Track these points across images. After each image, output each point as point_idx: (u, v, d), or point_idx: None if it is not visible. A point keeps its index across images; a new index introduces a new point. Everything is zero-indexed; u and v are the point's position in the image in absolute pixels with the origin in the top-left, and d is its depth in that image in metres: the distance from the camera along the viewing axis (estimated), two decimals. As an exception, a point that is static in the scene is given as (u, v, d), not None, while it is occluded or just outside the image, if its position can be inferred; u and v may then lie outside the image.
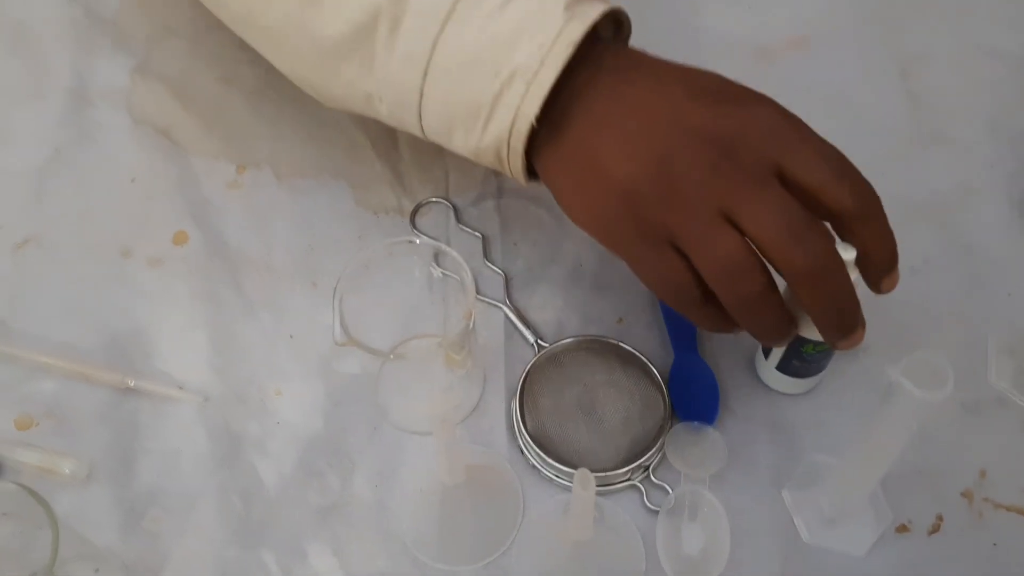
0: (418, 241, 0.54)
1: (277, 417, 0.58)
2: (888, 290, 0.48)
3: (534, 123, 0.47)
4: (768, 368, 0.56)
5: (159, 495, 0.55)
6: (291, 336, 0.61)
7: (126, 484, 0.56)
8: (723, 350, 0.59)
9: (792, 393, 0.57)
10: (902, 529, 0.52)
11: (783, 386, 0.56)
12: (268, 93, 0.71)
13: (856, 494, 0.51)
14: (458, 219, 0.65)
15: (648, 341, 0.59)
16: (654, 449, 0.54)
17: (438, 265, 0.58)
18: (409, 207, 0.66)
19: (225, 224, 0.65)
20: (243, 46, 0.74)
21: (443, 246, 0.54)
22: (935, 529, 0.52)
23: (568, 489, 0.54)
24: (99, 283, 0.63)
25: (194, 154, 0.69)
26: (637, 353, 0.57)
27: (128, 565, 0.53)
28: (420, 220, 0.65)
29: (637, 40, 0.74)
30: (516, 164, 0.50)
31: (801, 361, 0.54)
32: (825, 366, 0.55)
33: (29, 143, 0.69)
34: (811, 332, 0.50)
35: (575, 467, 0.53)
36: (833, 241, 0.45)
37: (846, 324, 0.46)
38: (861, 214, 0.45)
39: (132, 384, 0.58)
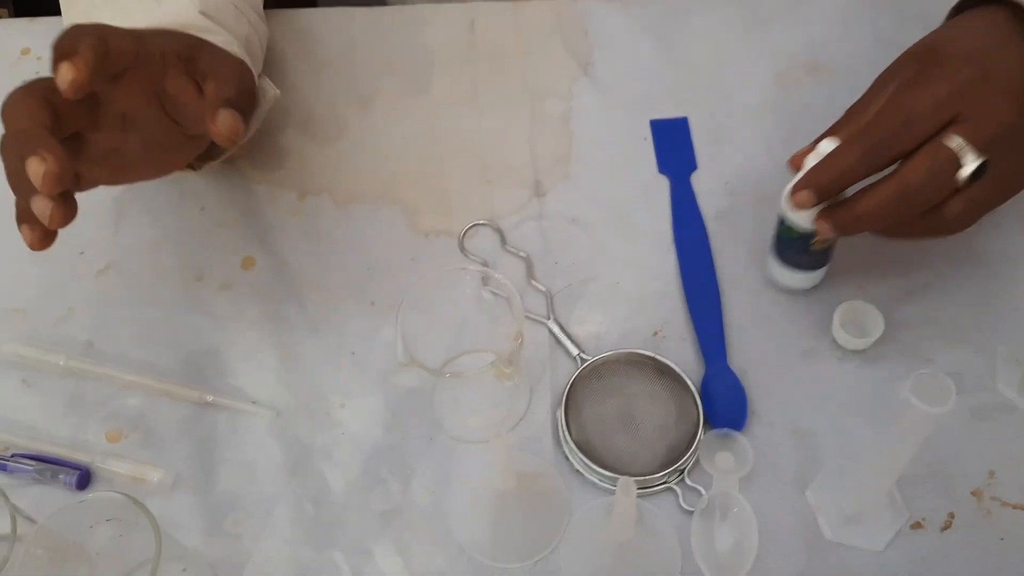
0: (471, 268, 0.59)
1: (342, 428, 0.63)
2: None
3: None
4: (772, 263, 0.65)
5: (238, 501, 0.61)
6: (352, 353, 0.66)
7: (208, 491, 0.61)
8: (750, 361, 0.63)
9: (790, 286, 0.65)
10: (917, 526, 0.57)
11: (781, 277, 0.65)
12: (322, 123, 0.77)
13: (874, 494, 0.56)
14: (503, 241, 0.70)
15: (682, 353, 0.64)
16: (688, 454, 0.59)
17: (487, 287, 0.63)
18: (457, 230, 0.71)
19: (289, 249, 0.71)
20: (296, 77, 0.80)
21: (493, 272, 0.59)
22: (947, 526, 0.57)
23: (610, 492, 0.59)
24: (175, 306, 0.69)
25: (258, 183, 0.75)
26: (672, 365, 0.62)
27: (213, 565, 0.59)
28: (468, 242, 0.70)
29: (664, 69, 0.79)
30: None
31: (782, 243, 0.62)
32: (809, 264, 0.63)
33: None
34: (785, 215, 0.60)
35: (617, 472, 0.58)
36: None
37: None
38: None
39: (210, 399, 0.64)
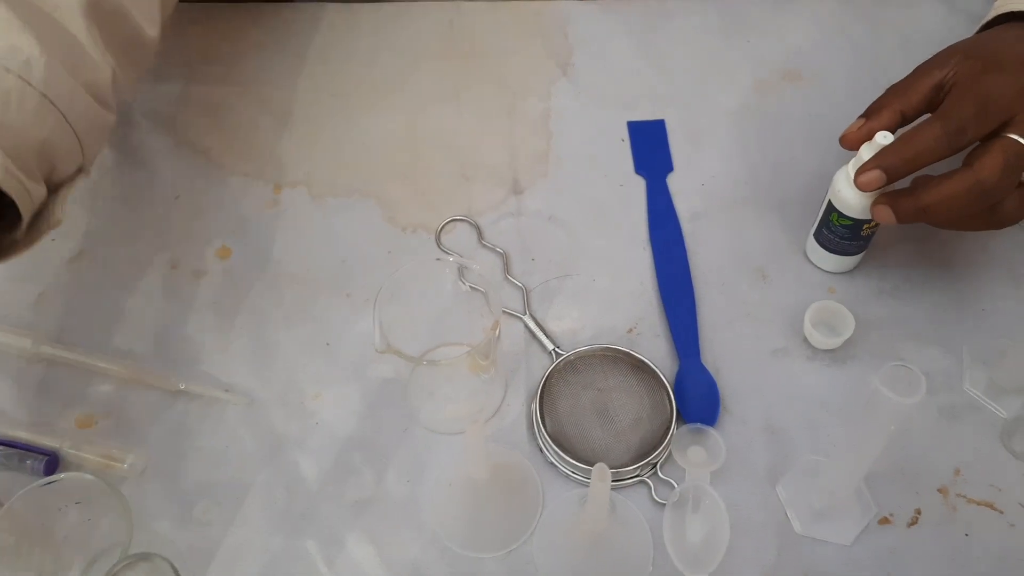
0: (451, 259, 0.60)
1: (316, 418, 0.63)
2: None
3: None
4: (811, 244, 0.67)
5: (209, 489, 0.60)
6: (327, 344, 0.66)
7: (179, 479, 0.61)
8: (723, 358, 0.64)
9: (828, 270, 0.67)
10: (884, 521, 0.58)
11: (821, 261, 0.67)
12: (300, 117, 0.77)
13: (843, 490, 0.57)
14: (480, 237, 0.70)
15: (656, 350, 0.65)
16: (661, 448, 0.59)
17: (464, 280, 0.63)
18: (435, 225, 0.71)
19: (264, 240, 0.71)
20: (275, 72, 0.80)
21: (471, 263, 0.59)
22: (914, 521, 0.58)
23: (583, 484, 0.59)
24: (148, 293, 0.69)
25: (234, 174, 0.74)
26: (647, 361, 0.62)
27: (183, 552, 0.58)
28: (445, 237, 0.71)
29: (642, 72, 0.80)
30: None
31: (830, 231, 0.64)
32: (854, 248, 0.65)
33: (80, 163, 0.75)
34: (841, 204, 0.62)
35: (591, 464, 0.58)
36: None
37: None
38: None
39: (183, 387, 0.64)
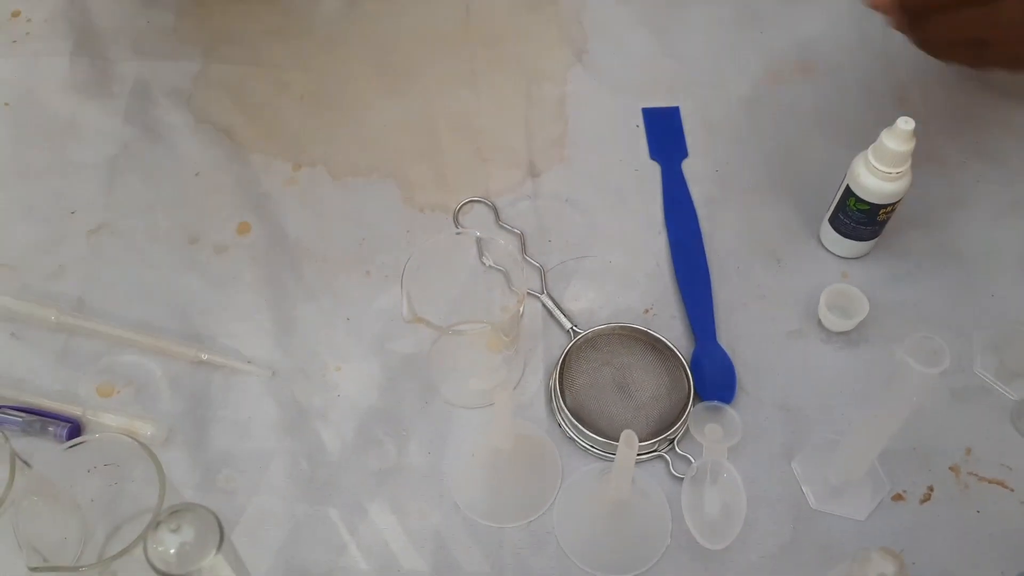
0: (477, 234, 0.60)
1: (338, 390, 0.64)
2: None
3: None
4: (825, 229, 0.68)
5: (232, 457, 0.61)
6: (348, 319, 0.67)
7: (201, 447, 0.61)
8: (739, 339, 0.65)
9: (842, 255, 0.69)
10: (898, 498, 0.59)
11: (835, 246, 0.69)
12: (319, 97, 0.78)
13: (858, 467, 0.58)
14: (497, 217, 0.71)
15: (672, 330, 0.66)
16: (679, 424, 0.60)
17: (485, 258, 0.64)
18: (452, 205, 0.72)
19: (284, 217, 0.72)
20: (294, 53, 0.81)
21: (497, 239, 0.60)
22: (926, 498, 0.59)
23: (601, 459, 0.60)
24: (169, 267, 0.69)
25: (253, 152, 0.75)
26: (664, 339, 0.64)
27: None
28: (462, 218, 0.72)
29: (656, 60, 0.81)
30: None
31: (847, 216, 0.65)
32: (869, 234, 0.66)
33: (99, 139, 0.75)
34: (859, 189, 0.63)
35: (610, 438, 0.59)
36: None
37: None
38: None
39: (205, 357, 0.64)
